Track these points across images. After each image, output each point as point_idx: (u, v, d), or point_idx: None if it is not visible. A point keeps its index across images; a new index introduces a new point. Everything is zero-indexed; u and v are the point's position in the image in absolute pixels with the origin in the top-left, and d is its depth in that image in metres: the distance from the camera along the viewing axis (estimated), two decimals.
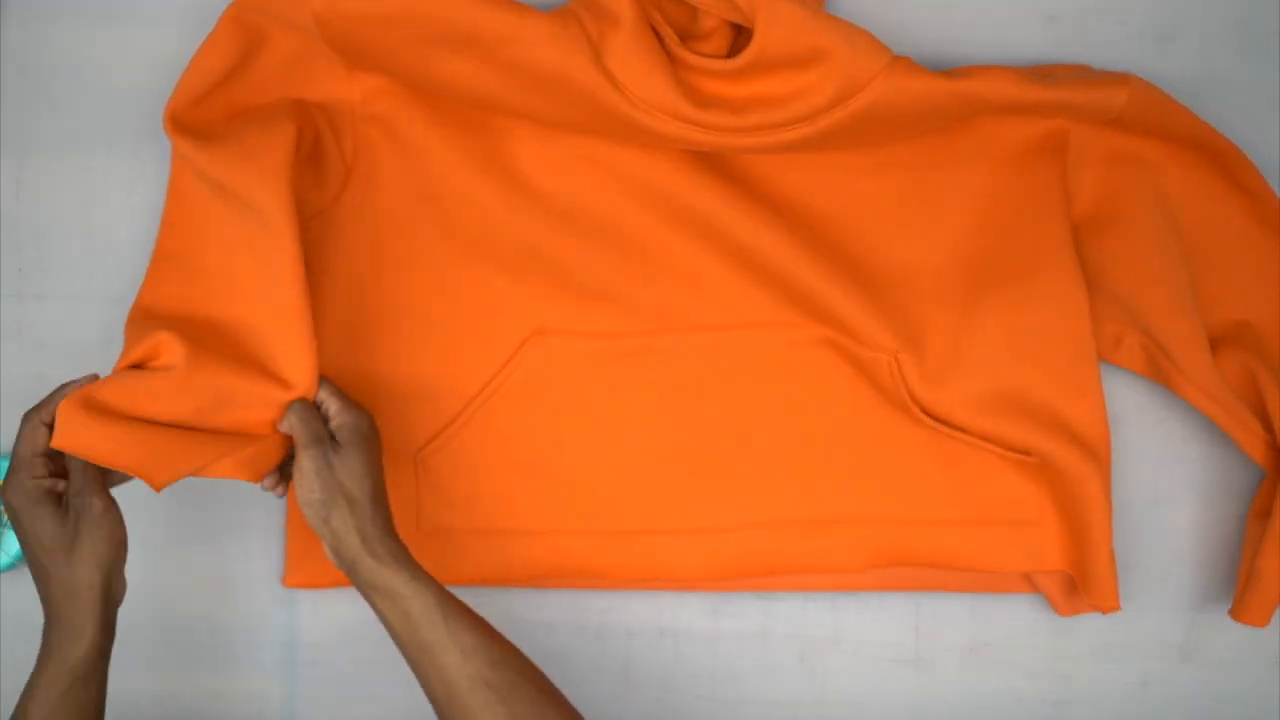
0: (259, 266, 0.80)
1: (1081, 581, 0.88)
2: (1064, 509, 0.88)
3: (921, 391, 0.87)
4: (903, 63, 0.81)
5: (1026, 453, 0.88)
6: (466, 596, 0.92)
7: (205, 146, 0.81)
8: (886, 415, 0.89)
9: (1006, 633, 0.94)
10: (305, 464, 0.76)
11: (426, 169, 0.87)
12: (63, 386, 0.78)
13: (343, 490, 0.76)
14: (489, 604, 0.92)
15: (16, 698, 0.89)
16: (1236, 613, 0.88)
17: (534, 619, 0.92)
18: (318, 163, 0.86)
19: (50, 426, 0.75)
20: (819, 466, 0.89)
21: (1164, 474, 0.95)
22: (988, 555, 0.89)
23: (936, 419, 0.88)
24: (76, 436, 0.74)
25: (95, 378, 0.79)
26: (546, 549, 0.88)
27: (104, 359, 0.90)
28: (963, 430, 0.88)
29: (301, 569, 0.87)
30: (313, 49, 0.84)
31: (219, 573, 0.90)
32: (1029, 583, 0.92)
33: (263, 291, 0.80)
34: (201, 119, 0.83)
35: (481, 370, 0.88)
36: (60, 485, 0.76)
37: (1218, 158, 0.89)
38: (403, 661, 0.92)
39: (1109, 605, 0.87)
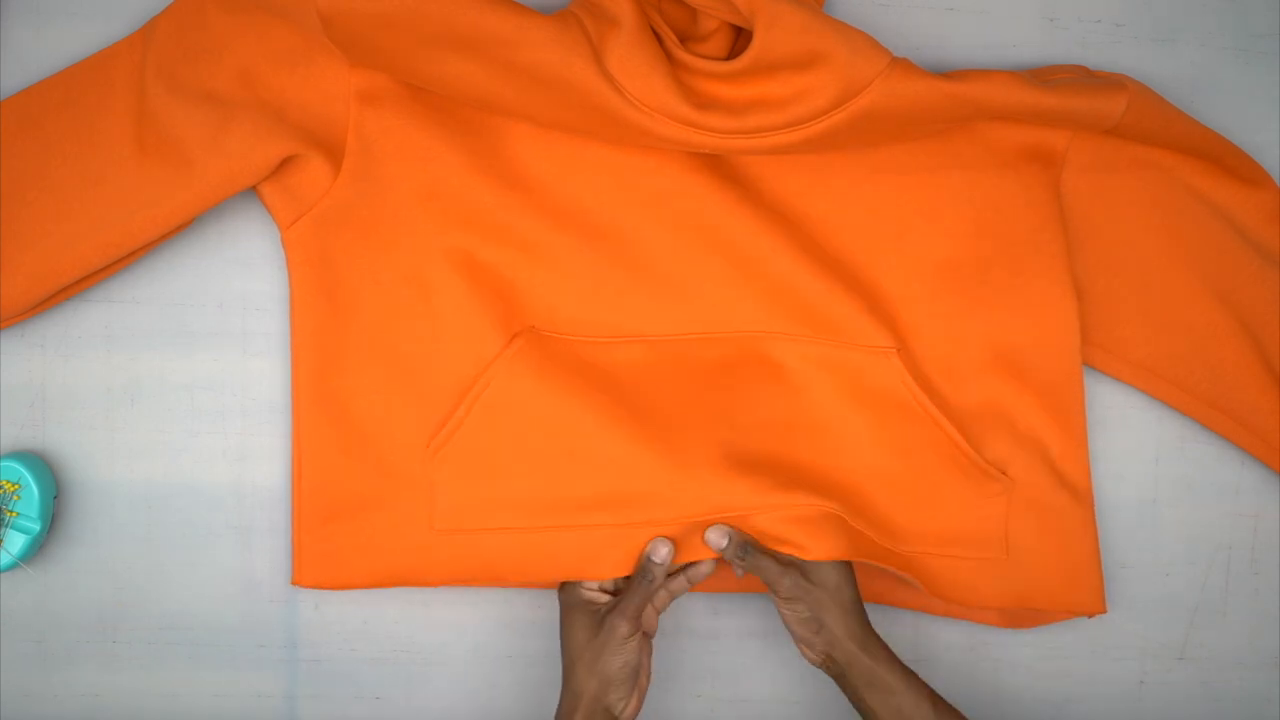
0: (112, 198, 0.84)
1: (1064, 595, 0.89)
2: (1039, 535, 0.89)
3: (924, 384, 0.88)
4: (902, 64, 0.81)
5: (1003, 470, 0.88)
6: (466, 596, 0.92)
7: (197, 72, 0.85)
8: (880, 423, 0.89)
9: (1006, 632, 0.94)
10: (787, 586, 0.83)
11: (426, 168, 0.87)
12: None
13: (831, 599, 0.83)
14: (489, 603, 0.92)
15: (17, 697, 0.89)
16: None
17: (534, 619, 0.92)
18: (290, 177, 0.87)
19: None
20: (814, 471, 0.88)
21: (1163, 474, 0.95)
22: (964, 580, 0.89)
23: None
24: None
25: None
26: (546, 547, 0.88)
27: (104, 359, 0.90)
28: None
29: (310, 568, 0.86)
30: (314, 44, 0.85)
31: (219, 573, 0.90)
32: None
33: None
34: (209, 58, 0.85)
35: (476, 369, 0.88)
36: (600, 600, 0.85)
37: (1219, 162, 0.89)
38: (402, 661, 0.92)
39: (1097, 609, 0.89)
